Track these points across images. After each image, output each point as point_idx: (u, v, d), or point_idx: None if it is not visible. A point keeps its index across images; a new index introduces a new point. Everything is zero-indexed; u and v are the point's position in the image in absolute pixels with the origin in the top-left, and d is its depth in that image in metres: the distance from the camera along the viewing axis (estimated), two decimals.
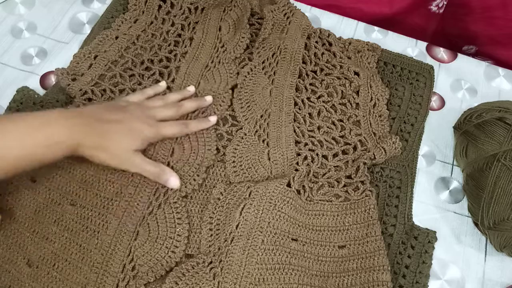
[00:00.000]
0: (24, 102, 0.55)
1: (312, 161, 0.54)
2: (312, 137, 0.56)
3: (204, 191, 0.52)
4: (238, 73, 0.60)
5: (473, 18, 0.73)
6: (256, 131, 0.56)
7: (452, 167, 0.58)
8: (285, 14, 0.65)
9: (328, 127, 0.57)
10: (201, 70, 0.60)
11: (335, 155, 0.55)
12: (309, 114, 0.58)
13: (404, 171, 0.55)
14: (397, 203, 0.53)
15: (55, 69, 0.58)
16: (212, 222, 0.49)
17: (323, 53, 0.63)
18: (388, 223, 0.52)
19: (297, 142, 0.56)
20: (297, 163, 0.54)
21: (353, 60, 0.63)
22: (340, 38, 0.65)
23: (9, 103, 0.55)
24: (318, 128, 0.57)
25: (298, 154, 0.55)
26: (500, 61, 0.72)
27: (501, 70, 0.67)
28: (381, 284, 0.46)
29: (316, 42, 0.64)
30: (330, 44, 0.64)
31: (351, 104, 0.59)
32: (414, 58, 0.65)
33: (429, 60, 0.66)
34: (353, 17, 0.71)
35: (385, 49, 0.65)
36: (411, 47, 0.68)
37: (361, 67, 0.62)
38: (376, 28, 0.70)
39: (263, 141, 0.55)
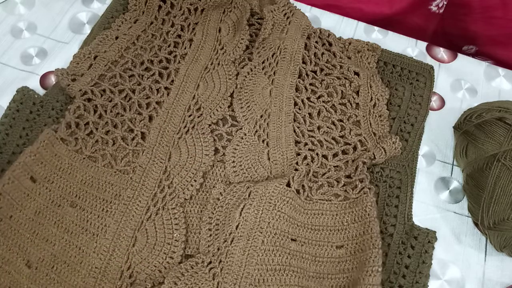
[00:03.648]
0: (24, 102, 0.55)
1: (312, 161, 0.54)
2: (312, 137, 0.56)
3: (203, 192, 0.52)
4: (237, 74, 0.60)
5: (473, 18, 0.73)
6: (256, 131, 0.56)
7: (452, 167, 0.58)
8: (285, 14, 0.65)
9: (328, 127, 0.57)
10: (200, 72, 0.60)
11: (335, 155, 0.55)
12: (309, 114, 0.58)
13: (404, 171, 0.55)
14: (397, 203, 0.53)
15: (55, 69, 0.58)
16: (211, 222, 0.49)
17: (323, 53, 0.63)
18: (388, 223, 0.52)
19: (297, 142, 0.56)
20: (297, 163, 0.54)
21: (353, 60, 0.63)
22: (340, 38, 0.65)
23: (9, 103, 0.55)
24: (318, 128, 0.57)
25: (298, 154, 0.55)
26: (500, 61, 0.72)
27: (501, 70, 0.67)
28: (370, 286, 0.44)
29: (316, 42, 0.64)
30: (330, 44, 0.64)
31: (351, 104, 0.59)
32: (414, 58, 0.65)
33: (429, 60, 0.66)
34: (353, 17, 0.70)
35: (385, 49, 0.65)
36: (411, 47, 0.68)
37: (361, 67, 0.62)
38: (376, 28, 0.70)
39: (263, 141, 0.55)
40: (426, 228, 0.52)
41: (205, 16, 0.65)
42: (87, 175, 0.51)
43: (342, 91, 0.60)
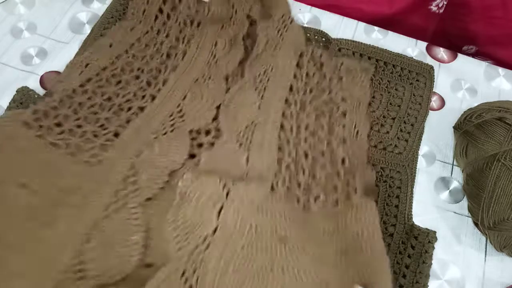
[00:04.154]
0: (24, 102, 0.55)
1: (296, 173, 0.52)
2: (298, 144, 0.54)
3: (170, 192, 0.49)
4: (228, 90, 0.58)
5: (473, 18, 0.73)
6: (237, 140, 0.54)
7: (452, 167, 0.58)
8: (279, 30, 0.63)
9: (314, 140, 0.55)
10: (190, 84, 0.58)
11: (323, 165, 0.53)
12: (296, 126, 0.56)
13: (404, 171, 0.55)
14: (397, 203, 0.53)
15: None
16: (177, 220, 0.45)
17: (314, 73, 0.61)
18: (388, 223, 0.52)
19: (279, 149, 0.53)
20: (279, 171, 0.51)
21: (345, 80, 0.60)
22: (332, 59, 0.62)
23: (9, 103, 0.55)
24: (305, 140, 0.55)
25: (279, 163, 0.52)
26: (500, 61, 0.72)
27: (501, 70, 0.67)
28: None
29: (308, 61, 0.62)
30: (322, 65, 0.62)
31: (338, 125, 0.57)
32: (414, 58, 0.65)
33: (429, 60, 0.66)
34: (353, 17, 0.70)
35: (385, 49, 0.65)
36: (411, 47, 0.68)
37: (353, 88, 0.60)
38: (376, 28, 0.70)
39: (244, 147, 0.53)
40: (426, 228, 0.52)
41: (201, 30, 0.64)
42: (46, 159, 0.47)
43: (330, 114, 0.58)
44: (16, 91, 0.56)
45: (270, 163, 0.52)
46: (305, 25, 0.68)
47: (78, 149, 0.50)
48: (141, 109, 0.55)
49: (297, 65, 0.62)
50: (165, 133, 0.53)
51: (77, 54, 0.61)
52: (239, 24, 0.64)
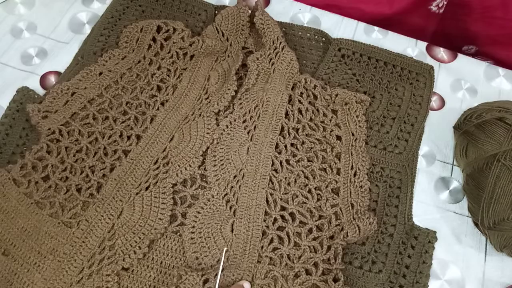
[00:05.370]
0: (24, 102, 0.55)
1: (281, 243, 0.50)
2: (284, 209, 0.52)
3: (147, 267, 0.48)
4: (218, 125, 0.56)
5: (473, 18, 0.73)
6: (226, 195, 0.52)
7: (452, 167, 0.58)
8: (271, 59, 0.61)
9: (303, 195, 0.52)
10: (178, 122, 0.57)
11: (309, 230, 0.51)
12: (286, 179, 0.54)
13: (404, 171, 0.55)
14: (397, 203, 0.53)
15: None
16: None
17: (307, 109, 0.59)
18: (388, 223, 0.52)
19: (266, 214, 0.51)
20: (262, 247, 0.49)
21: (339, 113, 0.59)
22: (326, 89, 0.59)
23: (9, 103, 0.56)
24: (293, 196, 0.52)
25: (264, 234, 0.50)
26: (500, 61, 0.72)
27: (501, 70, 0.67)
28: None
29: (301, 94, 0.60)
30: (315, 97, 0.59)
31: (331, 169, 0.55)
32: (414, 58, 0.65)
33: (429, 60, 0.66)
34: (353, 17, 0.71)
35: (385, 49, 0.65)
36: (411, 47, 0.68)
37: (348, 123, 0.58)
38: (376, 28, 0.70)
39: (230, 207, 0.51)
40: (426, 228, 0.52)
41: (194, 63, 0.62)
42: (29, 223, 0.48)
43: (323, 156, 0.55)
44: (16, 91, 0.56)
45: (255, 237, 0.50)
46: (305, 25, 0.68)
47: (61, 208, 0.49)
48: (125, 152, 0.54)
49: (289, 100, 0.60)
50: (148, 187, 0.51)
51: (70, 65, 0.60)
52: (234, 57, 0.63)
